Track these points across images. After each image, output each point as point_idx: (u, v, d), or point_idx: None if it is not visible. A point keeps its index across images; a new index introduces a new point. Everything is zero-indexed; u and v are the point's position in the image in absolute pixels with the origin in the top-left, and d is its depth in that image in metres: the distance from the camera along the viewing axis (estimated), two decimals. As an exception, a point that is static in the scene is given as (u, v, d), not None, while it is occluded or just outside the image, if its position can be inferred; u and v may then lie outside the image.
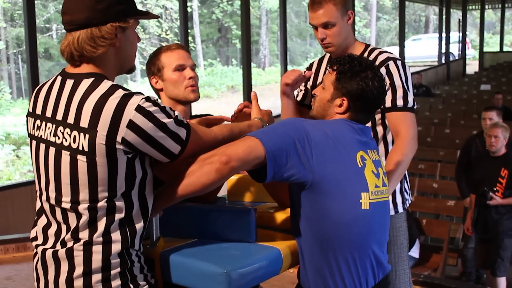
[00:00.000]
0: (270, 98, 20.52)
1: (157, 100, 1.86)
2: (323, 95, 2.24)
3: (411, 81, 2.80)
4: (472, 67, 23.39)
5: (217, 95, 23.34)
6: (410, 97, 2.73)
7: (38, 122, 1.94)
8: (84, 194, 1.83)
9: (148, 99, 1.82)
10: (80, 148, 1.80)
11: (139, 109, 1.79)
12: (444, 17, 20.58)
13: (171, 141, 1.84)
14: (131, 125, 1.78)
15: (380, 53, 2.82)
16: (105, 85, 1.83)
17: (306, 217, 2.07)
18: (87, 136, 1.79)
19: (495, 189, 5.47)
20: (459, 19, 21.92)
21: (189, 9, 13.34)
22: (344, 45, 2.81)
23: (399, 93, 2.71)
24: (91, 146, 1.79)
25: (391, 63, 2.76)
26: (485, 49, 24.49)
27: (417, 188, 7.89)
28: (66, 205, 1.86)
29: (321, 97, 2.26)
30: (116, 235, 1.86)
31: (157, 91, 2.63)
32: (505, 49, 26.85)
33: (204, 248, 2.09)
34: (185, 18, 10.01)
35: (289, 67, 18.56)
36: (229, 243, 2.11)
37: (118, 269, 1.87)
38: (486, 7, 24.04)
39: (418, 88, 15.64)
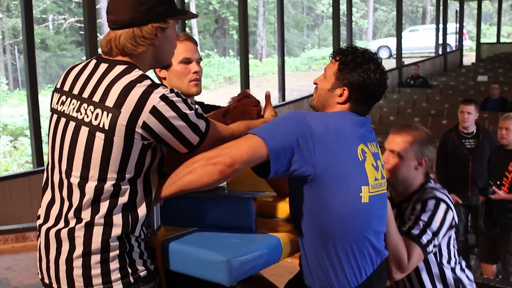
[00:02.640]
0: (267, 89, 20.49)
1: (180, 93, 1.91)
2: (324, 85, 2.24)
3: (445, 227, 2.59)
4: (469, 58, 23.40)
5: (214, 86, 23.34)
6: (427, 236, 2.55)
7: (63, 97, 2.00)
8: (94, 171, 1.88)
9: (172, 90, 1.89)
10: (101, 125, 1.86)
11: (164, 97, 1.85)
12: (441, 8, 20.59)
13: (191, 132, 1.89)
14: (154, 111, 1.84)
15: (431, 190, 2.67)
16: (136, 73, 1.91)
17: (307, 210, 2.08)
18: (110, 115, 1.85)
19: (498, 183, 5.34)
20: (456, 10, 21.90)
21: (186, 0, 13.32)
22: (402, 185, 2.72)
23: (418, 227, 2.57)
24: (112, 125, 1.85)
25: (430, 201, 2.61)
26: (482, 40, 24.46)
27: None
28: (75, 180, 1.91)
29: (322, 87, 2.25)
30: (117, 219, 1.90)
31: (160, 79, 2.62)
32: (502, 40, 26.88)
33: (205, 237, 2.11)
34: (183, 8, 10.00)
35: (286, 58, 18.56)
36: (229, 232, 2.13)
37: (117, 252, 1.91)
38: (483, -2, 24.01)
39: (415, 79, 15.68)
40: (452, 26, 22.97)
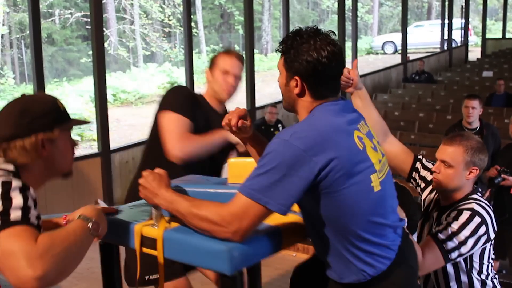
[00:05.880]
0: (272, 84, 20.51)
1: (27, 192, 1.77)
2: (281, 81, 2.14)
3: (473, 239, 2.60)
4: (474, 53, 23.32)
5: (220, 81, 23.32)
6: (451, 244, 2.58)
7: None
8: None
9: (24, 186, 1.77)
10: None
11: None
12: (446, 3, 20.51)
13: None
14: None
15: (472, 202, 2.71)
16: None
17: (326, 220, 2.04)
18: None
19: (508, 170, 5.02)
20: (462, 6, 21.83)
21: (191, -5, 13.35)
22: (451, 192, 2.77)
23: (446, 233, 2.61)
24: None
25: (465, 212, 2.64)
26: (488, 35, 24.35)
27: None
28: None
29: (280, 83, 2.15)
30: None
31: (207, 80, 3.27)
32: (507, 35, 26.73)
33: (207, 227, 2.12)
34: (188, 3, 10.02)
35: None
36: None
37: None
38: (489, -7, 23.88)
39: (420, 75, 15.66)
40: (457, 22, 22.91)
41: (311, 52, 2.00)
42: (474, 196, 2.75)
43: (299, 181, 1.90)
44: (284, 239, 2.15)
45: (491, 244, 2.74)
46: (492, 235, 2.67)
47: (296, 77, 2.05)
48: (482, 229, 2.62)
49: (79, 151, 15.75)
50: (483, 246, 2.68)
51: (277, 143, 1.93)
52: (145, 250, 2.15)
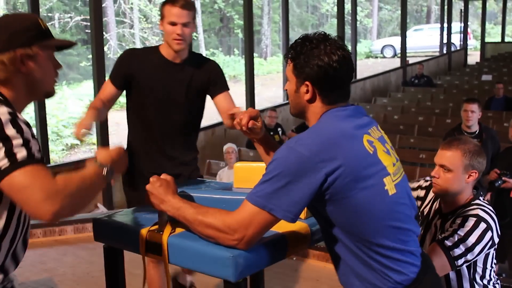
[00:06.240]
0: (272, 88, 20.56)
1: (17, 118, 1.80)
2: (290, 87, 2.10)
3: (480, 245, 2.61)
4: (473, 57, 23.39)
5: (219, 84, 23.38)
6: (458, 251, 2.58)
7: None
8: None
9: (10, 113, 1.78)
10: None
11: None
12: (446, 7, 20.57)
13: (2, 153, 1.71)
14: None
15: (476, 208, 2.71)
16: None
17: (343, 230, 1.99)
18: None
19: (508, 173, 5.06)
20: (461, 10, 21.90)
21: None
22: (452, 197, 2.77)
23: (453, 239, 2.60)
24: None
25: (471, 218, 2.64)
26: (487, 39, 24.45)
27: (418, 177, 7.95)
28: None
29: (289, 90, 2.12)
30: None
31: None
32: (506, 39, 26.80)
33: (211, 233, 2.12)
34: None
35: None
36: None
37: None
38: (488, -3, 23.95)
39: (420, 78, 15.70)
40: (456, 26, 22.99)
41: (322, 56, 1.98)
42: (477, 201, 2.75)
43: (305, 188, 1.87)
44: (289, 246, 2.14)
45: (494, 248, 2.74)
46: (497, 240, 2.67)
47: (307, 83, 2.02)
48: (488, 235, 2.62)
49: (78, 155, 15.69)
50: (487, 251, 2.68)
51: (283, 149, 1.93)
52: (149, 255, 2.15)
